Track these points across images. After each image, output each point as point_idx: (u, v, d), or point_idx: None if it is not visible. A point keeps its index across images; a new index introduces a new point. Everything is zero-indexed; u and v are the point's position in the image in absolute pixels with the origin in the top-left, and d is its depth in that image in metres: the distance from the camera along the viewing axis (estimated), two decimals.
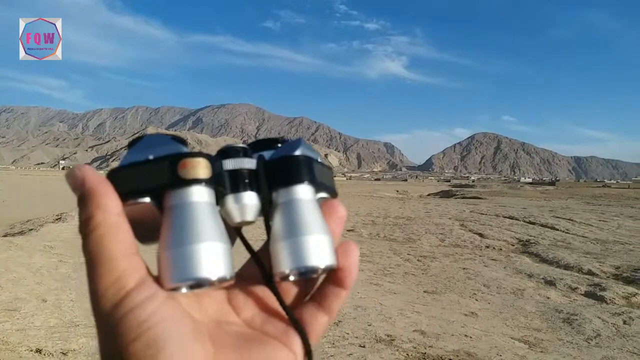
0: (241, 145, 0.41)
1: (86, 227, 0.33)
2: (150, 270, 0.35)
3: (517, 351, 4.69)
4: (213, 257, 0.34)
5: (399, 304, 6.24)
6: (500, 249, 11.68)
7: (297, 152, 0.40)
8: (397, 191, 56.81)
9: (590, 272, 8.80)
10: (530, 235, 13.62)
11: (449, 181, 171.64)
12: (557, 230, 15.17)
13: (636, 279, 8.19)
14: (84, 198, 0.33)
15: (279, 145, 0.42)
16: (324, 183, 0.41)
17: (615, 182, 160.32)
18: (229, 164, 0.39)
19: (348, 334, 4.80)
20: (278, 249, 0.38)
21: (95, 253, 0.32)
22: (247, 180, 0.39)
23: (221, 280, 0.34)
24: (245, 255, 0.42)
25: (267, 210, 0.39)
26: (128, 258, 0.33)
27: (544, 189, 72.18)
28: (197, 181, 0.36)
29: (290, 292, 0.40)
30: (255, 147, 0.42)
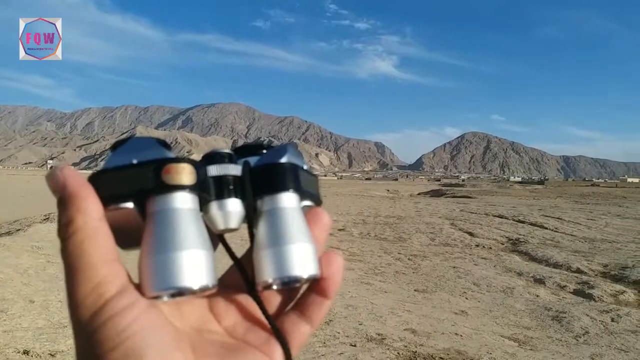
0: (226, 151, 0.40)
1: (65, 231, 0.32)
2: (131, 278, 0.34)
3: (507, 349, 4.72)
4: (195, 265, 0.33)
5: (389, 302, 6.25)
6: (490, 248, 11.76)
7: (283, 160, 0.39)
8: (388, 190, 56.97)
9: (578, 270, 8.88)
10: (520, 234, 13.73)
11: (439, 180, 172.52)
12: (546, 228, 15.31)
13: (624, 277, 8.28)
14: (64, 201, 0.32)
15: (265, 151, 0.41)
16: (309, 191, 0.41)
17: (603, 181, 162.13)
18: (214, 170, 0.38)
19: (339, 333, 4.80)
20: (261, 257, 0.37)
21: (74, 258, 0.31)
22: (231, 187, 0.38)
23: (203, 289, 0.34)
24: (229, 261, 0.41)
25: (251, 218, 0.39)
26: (108, 264, 0.32)
27: (533, 188, 72.80)
28: (181, 187, 0.35)
29: (272, 300, 0.40)
30: (240, 153, 0.41)
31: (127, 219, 0.35)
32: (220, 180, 0.38)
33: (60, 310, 4.93)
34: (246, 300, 0.39)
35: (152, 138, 0.38)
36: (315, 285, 0.39)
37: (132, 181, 0.35)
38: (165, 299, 0.33)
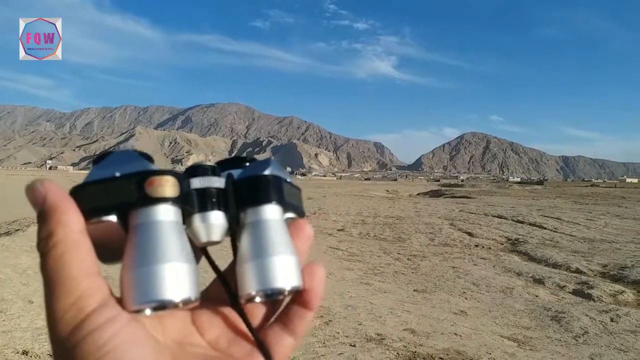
0: (209, 163, 0.41)
1: (46, 245, 0.31)
2: (112, 291, 0.33)
3: (507, 349, 4.72)
4: (178, 278, 0.33)
5: (389, 303, 6.25)
6: (490, 248, 11.77)
7: (267, 172, 0.40)
8: (387, 191, 56.99)
9: (578, 271, 8.89)
10: (519, 234, 13.74)
11: (439, 181, 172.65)
12: (546, 229, 15.32)
13: (623, 277, 8.29)
14: (45, 214, 0.32)
15: (248, 164, 0.42)
16: (292, 203, 0.41)
17: (602, 181, 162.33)
18: (197, 183, 0.38)
19: (338, 333, 4.80)
20: (244, 270, 0.38)
21: (55, 272, 0.31)
22: (214, 200, 0.38)
23: (186, 302, 0.34)
24: (213, 274, 0.41)
25: (234, 230, 0.39)
26: (89, 278, 0.31)
27: (532, 188, 72.86)
28: (164, 200, 0.35)
29: (256, 313, 0.40)
30: (224, 166, 0.42)
31: (109, 232, 0.35)
32: (203, 192, 0.38)
33: None
34: (229, 313, 0.39)
35: (135, 151, 0.38)
36: (298, 297, 0.39)
37: (115, 194, 0.35)
38: (148, 312, 0.33)
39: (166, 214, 0.35)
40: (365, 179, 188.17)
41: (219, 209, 0.38)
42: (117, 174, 0.35)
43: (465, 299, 6.84)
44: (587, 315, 6.01)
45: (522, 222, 17.06)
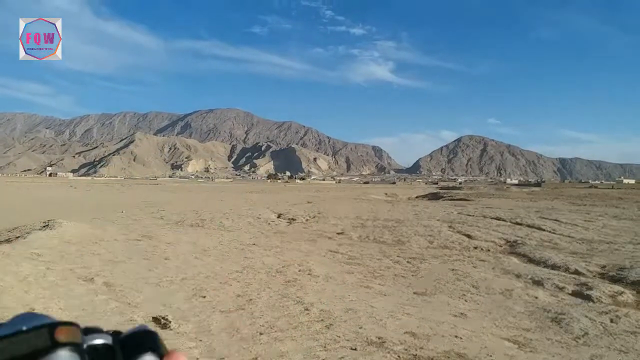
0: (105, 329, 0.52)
1: None
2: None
3: (507, 351, 4.74)
4: None
5: (389, 306, 6.27)
6: (488, 250, 11.79)
7: (143, 328, 0.52)
8: (386, 194, 56.98)
9: (577, 272, 8.92)
10: (518, 236, 13.76)
11: (437, 183, 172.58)
12: (544, 230, 15.35)
13: (622, 278, 8.31)
14: None
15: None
16: (162, 350, 0.51)
17: (599, 182, 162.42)
18: (91, 339, 0.48)
19: (339, 337, 4.82)
20: None
21: None
22: (104, 354, 0.48)
23: None
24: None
25: None
26: None
27: (530, 190, 72.84)
28: (73, 344, 0.44)
29: None
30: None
31: None
32: (95, 348, 0.47)
33: (60, 317, 4.93)
34: None
35: (40, 313, 0.47)
36: None
37: (27, 343, 0.42)
38: None
39: (73, 358, 0.43)
40: (364, 183, 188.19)
41: None
42: (24, 328, 0.43)
43: (465, 301, 6.86)
44: (587, 317, 6.03)
45: (520, 224, 17.09)
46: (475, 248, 12.05)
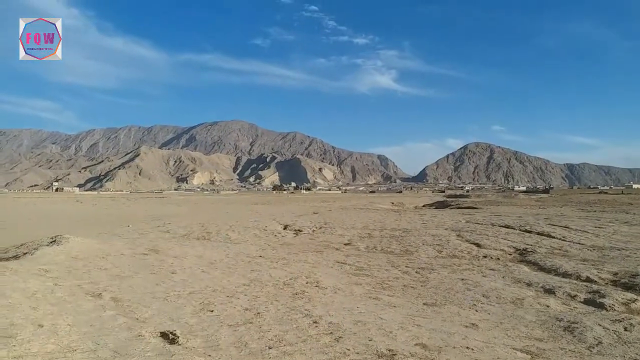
0: None
1: None
2: None
3: None
4: None
5: (399, 317, 6.20)
6: (498, 259, 11.68)
7: None
8: (393, 203, 56.82)
9: (588, 279, 8.81)
10: (527, 244, 13.65)
11: (444, 192, 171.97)
12: (554, 238, 15.21)
13: (635, 285, 8.20)
14: None
15: None
16: None
17: (608, 188, 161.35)
18: None
19: (349, 349, 4.76)
20: None
21: None
22: None
23: None
24: None
25: None
26: None
27: (538, 197, 72.46)
28: None
29: None
30: None
31: None
32: None
33: (69, 333, 4.92)
34: None
35: None
36: None
37: None
38: None
39: None
40: (370, 192, 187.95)
41: None
42: None
43: (476, 311, 6.78)
44: (600, 325, 5.94)
45: (529, 232, 16.96)
46: (485, 257, 11.95)
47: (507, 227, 18.87)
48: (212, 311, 6.22)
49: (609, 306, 6.89)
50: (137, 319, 5.72)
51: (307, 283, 8.43)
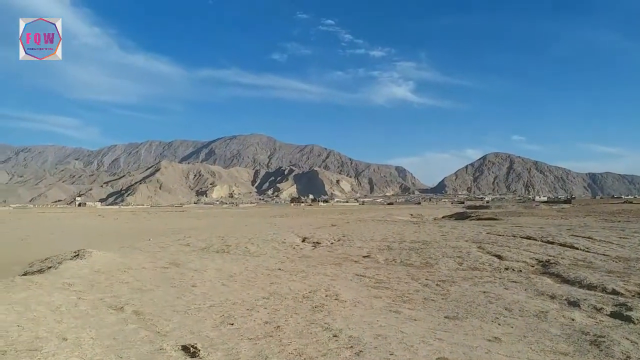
0: None
1: None
2: None
3: None
4: None
5: (420, 331, 6.13)
6: (520, 271, 11.49)
7: None
8: (411, 215, 56.42)
9: (614, 292, 8.59)
10: (550, 255, 13.39)
11: (463, 203, 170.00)
12: (577, 249, 14.90)
13: None
14: None
15: None
16: None
17: (633, 197, 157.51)
18: None
19: None
20: None
21: None
22: None
23: None
24: None
25: None
26: None
27: (559, 207, 71.13)
28: None
29: None
30: None
31: None
32: None
33: (92, 347, 4.99)
34: None
35: None
36: None
37: None
38: None
39: None
40: (388, 204, 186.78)
41: None
42: None
43: (499, 324, 6.66)
44: (628, 339, 5.78)
45: (552, 243, 16.64)
46: (507, 269, 11.76)
47: (528, 238, 18.56)
48: (232, 324, 6.25)
49: (637, 319, 6.70)
50: (159, 332, 5.77)
51: (326, 296, 8.41)
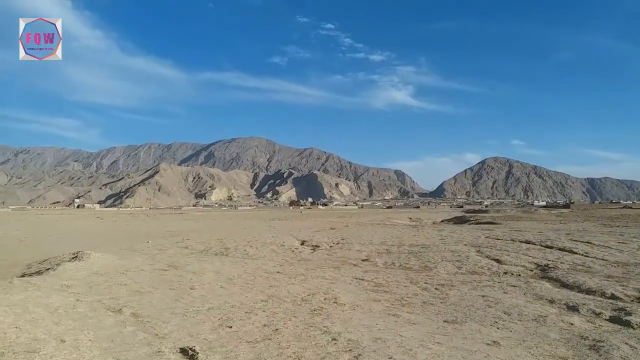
0: None
1: None
2: None
3: None
4: None
5: (419, 334, 6.12)
6: (519, 275, 11.48)
7: None
8: (410, 218, 56.41)
9: (613, 296, 8.59)
10: (549, 260, 13.40)
11: (462, 207, 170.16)
12: (576, 253, 14.91)
13: None
14: None
15: None
16: None
17: (632, 202, 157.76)
18: None
19: None
20: None
21: None
22: None
23: None
24: None
25: None
26: None
27: (558, 212, 71.21)
28: None
29: None
30: None
31: None
32: None
33: (90, 349, 4.97)
34: None
35: None
36: None
37: None
38: None
39: None
40: (387, 207, 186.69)
41: None
42: None
43: (498, 328, 6.65)
44: (627, 344, 5.78)
45: (551, 247, 16.65)
46: (505, 273, 11.75)
47: (527, 242, 18.57)
48: (230, 327, 6.23)
49: (636, 324, 6.69)
50: (157, 334, 5.76)
51: (325, 299, 8.40)
